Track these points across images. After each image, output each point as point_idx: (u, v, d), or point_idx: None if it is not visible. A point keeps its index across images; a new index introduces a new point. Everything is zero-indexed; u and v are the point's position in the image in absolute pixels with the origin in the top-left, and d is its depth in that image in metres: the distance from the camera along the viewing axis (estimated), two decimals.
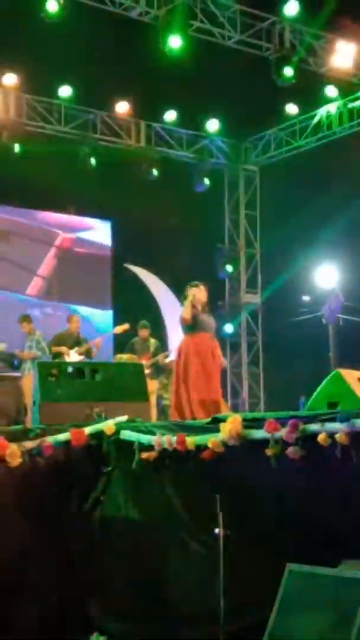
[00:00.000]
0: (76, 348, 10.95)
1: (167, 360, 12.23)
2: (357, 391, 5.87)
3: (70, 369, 7.47)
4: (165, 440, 5.38)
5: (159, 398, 12.10)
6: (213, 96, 13.69)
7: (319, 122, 15.32)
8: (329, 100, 14.75)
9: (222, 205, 17.20)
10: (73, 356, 10.84)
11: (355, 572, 4.17)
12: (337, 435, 4.48)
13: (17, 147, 14.03)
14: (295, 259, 14.76)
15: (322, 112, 15.15)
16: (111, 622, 5.60)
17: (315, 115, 15.30)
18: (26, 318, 11.29)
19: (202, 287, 8.10)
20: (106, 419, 6.22)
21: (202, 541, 5.13)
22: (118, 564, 5.76)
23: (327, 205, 13.84)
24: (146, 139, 15.51)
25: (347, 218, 13.67)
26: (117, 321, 13.93)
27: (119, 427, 5.89)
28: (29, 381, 9.99)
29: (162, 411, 11.94)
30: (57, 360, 10.65)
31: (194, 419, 7.43)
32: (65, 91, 14.15)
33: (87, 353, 11.00)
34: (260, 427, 4.87)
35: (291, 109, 15.04)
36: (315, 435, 4.59)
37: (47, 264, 15.74)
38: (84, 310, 14.41)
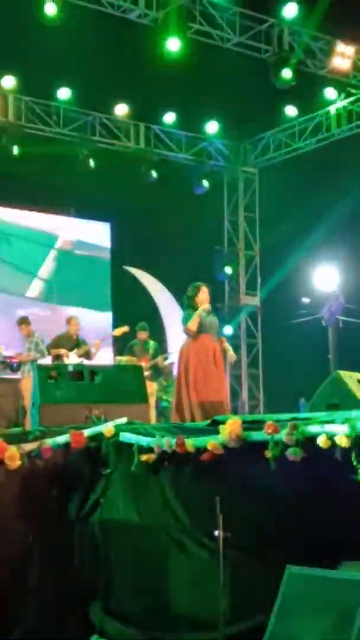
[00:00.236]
0: (75, 350, 10.94)
1: (167, 362, 12.22)
2: (357, 393, 5.87)
3: (69, 371, 7.47)
4: (165, 442, 5.37)
5: (159, 400, 12.10)
6: (212, 98, 13.69)
7: (318, 124, 15.32)
8: (328, 102, 14.76)
9: (221, 207, 17.20)
10: (72, 358, 10.83)
11: (354, 574, 4.17)
12: (336, 437, 4.48)
13: (16, 150, 14.03)
14: (295, 261, 14.76)
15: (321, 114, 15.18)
16: (111, 624, 5.60)
17: (314, 117, 15.31)
18: (25, 320, 11.28)
19: (204, 288, 8.09)
20: (106, 421, 6.22)
21: (202, 543, 5.12)
22: (118, 566, 5.76)
23: (326, 207, 13.85)
24: (145, 141, 15.51)
25: (346, 220, 13.68)
26: (116, 323, 13.92)
27: (119, 429, 5.89)
28: (28, 383, 9.98)
29: (162, 413, 11.94)
30: (56, 363, 10.63)
31: (193, 420, 7.43)
32: (64, 93, 14.16)
33: (87, 355, 10.99)
34: (259, 429, 4.87)
35: (290, 110, 15.04)
36: (314, 437, 4.59)
37: (46, 266, 15.74)
38: (83, 312, 14.39)
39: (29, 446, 6.01)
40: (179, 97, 13.82)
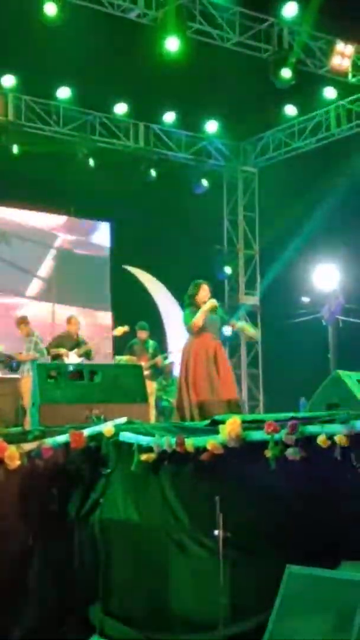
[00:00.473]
0: (75, 350, 10.94)
1: (166, 362, 12.22)
2: (357, 392, 5.87)
3: (69, 371, 7.47)
4: (165, 442, 5.37)
5: (158, 399, 12.10)
6: (212, 97, 13.68)
7: (318, 123, 15.32)
8: (327, 102, 14.75)
9: (221, 207, 17.20)
10: (72, 358, 10.82)
11: (354, 574, 4.17)
12: (336, 437, 4.48)
13: (15, 149, 14.02)
14: (292, 255, 14.76)
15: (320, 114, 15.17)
16: (111, 624, 5.59)
17: (314, 116, 15.30)
18: (23, 320, 11.27)
19: (204, 286, 8.08)
20: (105, 420, 6.21)
21: (202, 543, 5.12)
22: (117, 565, 5.76)
23: (326, 206, 13.84)
24: (145, 140, 15.50)
25: (346, 219, 13.67)
26: (116, 322, 13.91)
27: (118, 428, 5.89)
28: (27, 383, 9.97)
29: (162, 412, 11.94)
30: (56, 362, 10.63)
31: (192, 420, 7.42)
32: (63, 92, 14.14)
33: (87, 355, 10.98)
34: (259, 428, 4.87)
35: (290, 110, 15.03)
36: (314, 436, 4.59)
37: (46, 266, 15.73)
38: (83, 311, 14.39)
39: (28, 446, 6.00)
40: (178, 97, 13.81)
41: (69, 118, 14.63)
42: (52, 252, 15.85)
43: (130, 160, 15.23)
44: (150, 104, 14.38)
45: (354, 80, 13.94)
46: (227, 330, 14.51)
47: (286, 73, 12.71)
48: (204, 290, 8.00)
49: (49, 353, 11.05)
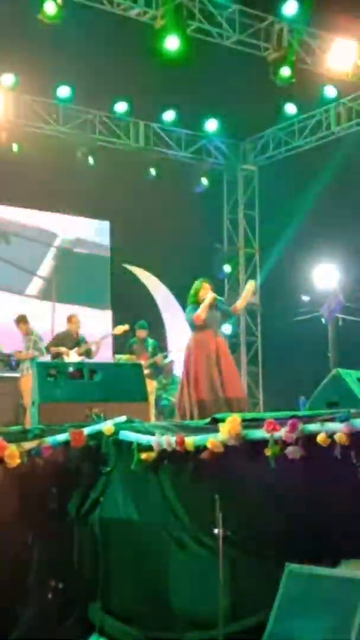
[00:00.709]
0: (76, 348, 10.94)
1: (166, 361, 12.23)
2: (357, 391, 5.87)
3: (69, 370, 7.47)
4: (164, 440, 5.37)
5: (158, 398, 12.10)
6: (211, 96, 13.67)
7: (318, 122, 15.31)
8: (328, 100, 14.74)
9: (221, 205, 17.19)
10: (73, 356, 10.83)
11: (354, 573, 4.16)
12: (336, 436, 4.47)
13: (15, 147, 14.02)
14: (294, 259, 14.75)
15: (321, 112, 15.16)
16: (110, 622, 5.59)
17: (314, 115, 15.29)
18: (23, 318, 11.27)
19: (205, 284, 8.16)
20: (105, 419, 6.21)
21: (201, 541, 5.12)
22: (117, 564, 5.76)
23: (326, 205, 13.83)
24: (145, 139, 15.49)
25: (346, 218, 13.66)
26: (116, 321, 13.91)
27: (118, 427, 5.88)
28: (27, 381, 9.97)
29: (162, 411, 11.94)
30: (56, 361, 10.63)
31: (192, 418, 7.43)
32: (63, 91, 14.13)
33: (87, 353, 10.99)
34: (259, 427, 4.87)
35: (290, 108, 15.02)
36: (314, 435, 4.58)
37: (46, 265, 15.73)
38: (83, 310, 14.38)
39: (28, 444, 6.00)
40: (178, 95, 13.80)
41: (68, 117, 14.63)
42: (52, 251, 15.85)
43: (130, 159, 15.22)
44: (150, 103, 14.37)
45: (354, 78, 13.92)
46: (227, 329, 14.57)
47: (286, 71, 12.70)
48: (205, 288, 8.10)
49: (48, 351, 11.06)
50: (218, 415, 5.45)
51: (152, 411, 10.22)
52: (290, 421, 4.70)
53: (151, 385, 10.72)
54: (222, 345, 8.02)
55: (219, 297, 8.19)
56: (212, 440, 5.07)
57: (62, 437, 6.01)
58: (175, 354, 12.17)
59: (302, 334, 13.49)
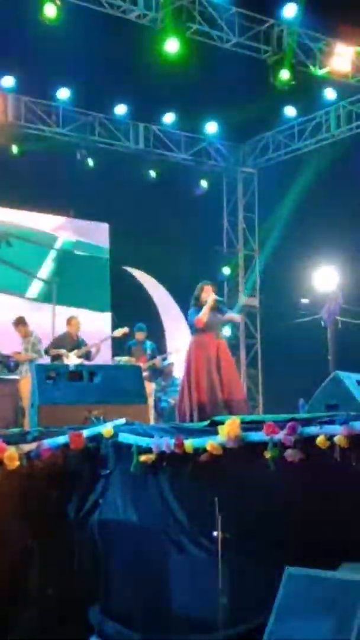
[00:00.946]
0: (75, 350, 10.94)
1: (166, 362, 12.23)
2: (356, 394, 5.87)
3: (68, 372, 7.46)
4: (164, 443, 5.37)
5: (157, 400, 12.09)
6: (211, 98, 13.67)
7: (318, 124, 15.31)
8: (327, 103, 14.75)
9: (221, 208, 17.18)
10: (72, 359, 10.82)
11: (354, 575, 4.16)
12: (335, 438, 4.47)
13: (15, 149, 14.02)
14: (294, 261, 14.74)
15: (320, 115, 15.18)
16: (110, 625, 5.59)
17: (313, 117, 15.30)
18: (21, 321, 11.25)
19: (206, 287, 8.22)
20: (105, 421, 6.21)
21: (201, 544, 5.12)
22: (117, 566, 5.75)
23: (326, 207, 13.83)
24: (144, 141, 15.50)
25: (346, 220, 13.65)
26: (115, 323, 13.90)
27: (117, 429, 5.88)
28: (26, 383, 9.95)
29: (161, 413, 11.93)
30: (55, 363, 10.62)
31: (192, 420, 7.44)
32: (63, 93, 14.14)
33: (87, 356, 10.98)
34: (258, 429, 4.87)
35: (289, 111, 15.03)
36: (314, 437, 4.58)
37: (46, 267, 15.72)
38: (82, 312, 14.37)
39: (27, 447, 6.00)
40: (178, 98, 13.79)
41: (68, 119, 14.62)
42: (53, 253, 15.84)
43: (129, 161, 15.23)
44: (150, 105, 14.37)
45: (353, 81, 13.94)
46: (227, 332, 14.58)
47: (285, 74, 12.72)
48: (206, 292, 8.16)
49: (48, 353, 11.05)
50: (217, 418, 5.45)
51: (151, 413, 10.22)
52: (289, 424, 4.70)
53: (150, 387, 10.71)
54: (222, 347, 8.04)
55: (219, 299, 8.23)
56: (212, 443, 5.07)
57: (61, 439, 6.00)
58: (175, 356, 12.17)
59: (301, 336, 13.48)
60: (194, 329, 8.06)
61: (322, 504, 4.58)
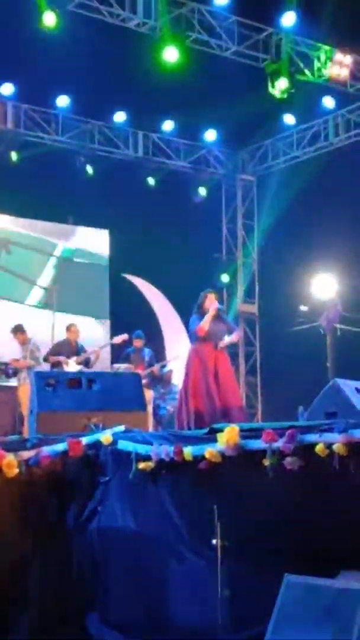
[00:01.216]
0: (75, 358, 10.94)
1: (164, 370, 12.23)
2: (355, 401, 5.87)
3: (67, 379, 7.47)
4: (163, 450, 5.37)
5: (156, 408, 12.09)
6: (210, 106, 13.70)
7: (316, 132, 15.35)
8: (326, 111, 14.79)
9: (220, 215, 17.21)
10: (71, 366, 10.83)
11: (353, 584, 4.16)
12: (335, 446, 4.47)
13: (14, 157, 14.05)
14: (293, 269, 14.76)
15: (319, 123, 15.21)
16: (109, 633, 5.57)
17: (312, 125, 15.33)
18: (19, 328, 11.25)
19: (210, 296, 8.23)
20: (104, 429, 6.21)
21: (200, 552, 5.11)
22: (115, 574, 5.74)
23: (324, 215, 13.86)
24: (144, 148, 15.53)
25: (344, 228, 13.68)
26: (114, 331, 13.90)
27: (117, 437, 5.88)
28: (25, 390, 9.96)
29: (160, 421, 11.93)
30: (54, 370, 10.63)
31: (189, 428, 7.45)
32: (62, 101, 14.17)
33: (86, 363, 10.99)
34: (257, 437, 4.87)
35: (288, 119, 15.07)
36: (313, 445, 4.58)
37: (46, 274, 15.73)
38: (82, 319, 14.38)
39: (26, 454, 5.99)
40: (177, 105, 13.83)
41: (67, 126, 14.65)
42: (52, 261, 15.85)
43: (129, 168, 15.26)
44: (149, 113, 14.41)
45: (352, 89, 13.98)
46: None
47: (284, 82, 12.75)
48: (209, 300, 8.17)
49: (47, 361, 11.05)
50: (216, 426, 5.45)
51: (150, 421, 10.22)
52: (288, 431, 4.70)
53: (149, 395, 10.71)
54: (221, 356, 8.04)
55: (222, 308, 8.24)
56: (210, 451, 5.07)
57: (60, 446, 6.00)
58: (174, 363, 12.17)
59: (300, 344, 13.49)
60: (195, 337, 8.06)
61: (321, 512, 4.58)
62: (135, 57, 12.03)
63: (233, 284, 16.95)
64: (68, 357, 10.93)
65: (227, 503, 4.86)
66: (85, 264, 16.25)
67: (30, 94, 13.69)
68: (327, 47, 13.29)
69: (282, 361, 14.84)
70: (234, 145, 16.38)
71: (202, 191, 16.07)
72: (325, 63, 13.36)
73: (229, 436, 4.97)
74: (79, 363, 10.89)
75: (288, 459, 4.65)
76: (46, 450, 6.01)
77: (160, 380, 12.24)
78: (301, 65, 13.29)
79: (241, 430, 5.03)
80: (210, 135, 15.71)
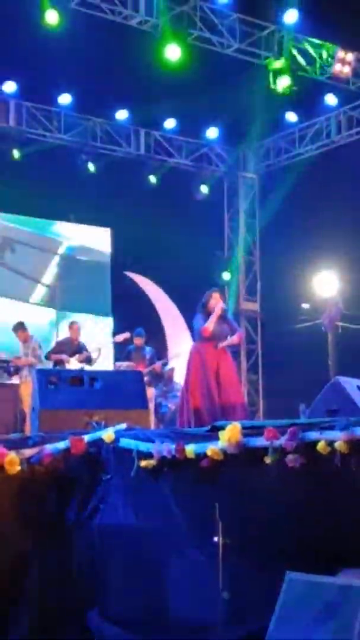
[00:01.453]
0: (77, 356, 10.95)
1: (166, 368, 12.24)
2: (357, 399, 5.88)
3: (69, 377, 7.47)
4: (165, 448, 5.37)
5: (158, 406, 12.10)
6: (212, 104, 13.70)
7: (319, 130, 15.35)
8: (328, 109, 14.78)
9: (222, 213, 17.21)
10: (73, 364, 10.84)
11: (355, 581, 4.16)
12: (336, 443, 4.48)
13: (16, 154, 14.06)
14: (294, 267, 14.76)
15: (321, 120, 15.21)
16: (110, 629, 5.58)
17: (314, 123, 15.33)
18: (20, 326, 11.26)
19: (215, 295, 8.19)
20: (106, 426, 6.21)
21: (201, 549, 5.12)
22: (117, 571, 5.75)
23: (326, 213, 13.86)
24: (145, 146, 15.53)
25: (346, 226, 13.68)
26: (116, 329, 13.92)
27: (119, 434, 5.89)
28: (26, 388, 9.98)
29: (162, 419, 11.94)
30: (57, 368, 10.63)
31: (191, 425, 7.46)
32: (65, 99, 14.18)
33: (88, 361, 10.99)
34: (259, 434, 4.87)
35: (290, 117, 15.06)
36: (314, 443, 4.59)
37: (50, 272, 15.75)
38: (84, 317, 14.40)
39: (28, 451, 6.00)
40: (179, 103, 13.82)
41: (70, 124, 14.66)
42: (56, 259, 15.86)
43: (131, 166, 15.26)
44: (151, 111, 14.40)
45: (354, 87, 13.98)
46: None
47: (286, 80, 12.76)
48: (214, 299, 8.11)
49: (49, 359, 11.06)
50: (218, 423, 5.46)
51: (152, 418, 10.22)
52: (290, 429, 4.70)
53: (150, 393, 10.73)
54: (223, 354, 8.02)
55: (227, 308, 8.19)
56: (212, 448, 5.08)
57: (62, 444, 6.01)
58: (175, 361, 12.18)
59: (302, 341, 13.51)
60: (198, 336, 8.02)
61: (323, 509, 4.58)
62: (137, 54, 12.04)
63: (234, 281, 16.94)
64: (70, 355, 10.94)
65: (229, 500, 4.86)
66: (88, 262, 16.25)
67: (32, 91, 13.70)
68: (329, 45, 13.29)
69: (283, 359, 14.85)
70: (236, 142, 16.38)
71: (204, 189, 16.09)
72: (328, 60, 13.35)
73: (230, 434, 4.97)
74: (80, 361, 10.90)
75: (290, 457, 4.65)
76: (48, 447, 6.01)
77: (162, 378, 12.25)
78: (303, 62, 13.29)
79: (243, 427, 5.03)
80: (212, 132, 15.71)
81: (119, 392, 7.24)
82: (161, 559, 5.43)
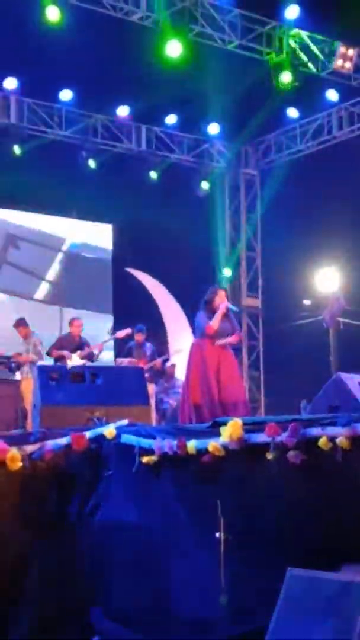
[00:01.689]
0: (78, 352, 10.94)
1: (168, 364, 12.24)
2: (358, 395, 5.88)
3: (70, 373, 7.47)
4: (166, 444, 5.37)
5: (159, 402, 12.10)
6: (213, 100, 13.70)
7: (320, 126, 15.33)
8: (329, 105, 14.76)
9: (223, 209, 17.20)
10: (75, 360, 10.83)
11: (356, 577, 4.16)
12: (338, 440, 4.48)
13: (17, 150, 14.05)
14: (296, 263, 14.76)
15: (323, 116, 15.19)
16: (112, 626, 5.58)
17: (316, 119, 15.31)
18: (22, 322, 11.25)
19: (220, 292, 8.14)
20: (107, 423, 6.22)
21: (203, 545, 5.12)
22: (118, 568, 5.75)
23: (327, 209, 13.85)
24: (147, 142, 15.52)
25: (348, 222, 13.67)
26: (118, 325, 13.91)
27: (120, 431, 5.89)
28: (28, 384, 9.98)
29: (163, 415, 11.94)
30: (58, 364, 10.64)
31: (192, 422, 7.45)
32: (65, 95, 14.16)
33: (89, 357, 10.99)
34: (261, 431, 4.87)
35: (292, 112, 15.05)
36: (316, 439, 4.59)
37: (54, 269, 15.76)
38: (86, 314, 14.40)
39: (30, 448, 6.00)
40: (180, 99, 13.83)
41: (71, 121, 14.65)
42: (59, 255, 15.87)
43: (132, 162, 15.25)
44: (152, 107, 14.39)
45: (355, 83, 13.96)
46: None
47: (287, 76, 12.75)
48: (220, 297, 8.04)
49: (50, 355, 11.05)
50: (219, 419, 5.45)
51: (154, 415, 10.22)
52: (291, 425, 4.70)
53: (151, 389, 10.72)
54: (225, 354, 8.00)
55: (232, 307, 8.14)
56: (214, 444, 5.08)
57: (63, 440, 6.01)
58: (177, 357, 12.18)
59: (303, 338, 13.52)
60: (201, 333, 7.98)
61: (324, 505, 4.58)
62: (138, 50, 12.02)
63: (236, 278, 16.93)
64: (71, 351, 10.93)
65: (230, 496, 4.87)
66: (89, 258, 16.26)
67: (33, 88, 13.69)
68: (330, 40, 13.26)
69: (285, 355, 14.86)
70: (237, 138, 16.35)
71: (205, 185, 16.08)
72: (329, 56, 13.33)
73: (232, 430, 4.97)
74: (82, 357, 10.89)
75: (291, 453, 4.65)
76: (49, 444, 6.02)
77: (163, 374, 12.25)
78: (305, 58, 13.26)
79: (244, 423, 5.03)
80: (213, 128, 15.69)
81: (120, 388, 7.24)
82: (163, 555, 5.43)
